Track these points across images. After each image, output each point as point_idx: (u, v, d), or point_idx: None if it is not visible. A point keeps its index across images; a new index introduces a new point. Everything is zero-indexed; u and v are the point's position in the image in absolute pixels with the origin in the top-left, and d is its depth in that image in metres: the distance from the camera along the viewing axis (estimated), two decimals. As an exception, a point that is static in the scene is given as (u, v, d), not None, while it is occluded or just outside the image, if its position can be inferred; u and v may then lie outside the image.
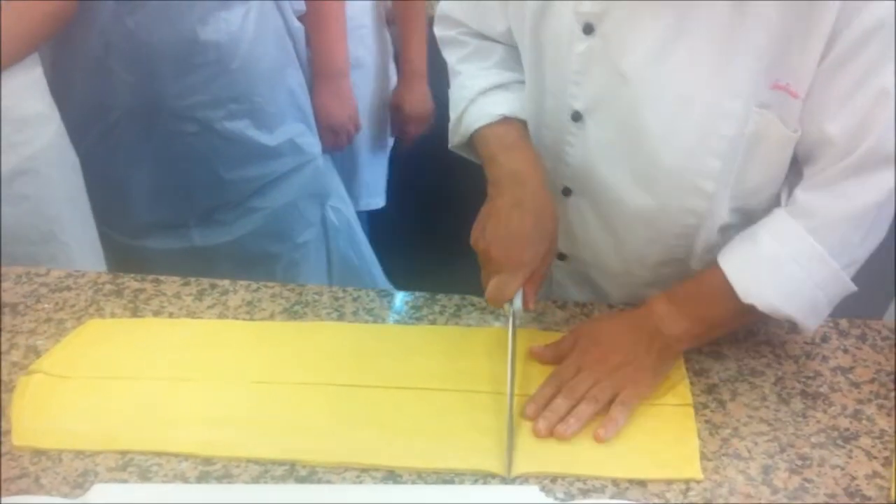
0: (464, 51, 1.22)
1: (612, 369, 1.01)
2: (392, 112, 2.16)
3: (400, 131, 2.20)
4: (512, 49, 1.19)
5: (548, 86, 1.12)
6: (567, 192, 1.17)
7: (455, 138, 1.20)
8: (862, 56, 0.92)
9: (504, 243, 1.02)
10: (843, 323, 1.15)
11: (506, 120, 1.13)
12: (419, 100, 2.13)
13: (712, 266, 1.03)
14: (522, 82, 1.17)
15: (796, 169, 1.04)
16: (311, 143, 1.86)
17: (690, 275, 1.10)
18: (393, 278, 2.15)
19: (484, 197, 1.10)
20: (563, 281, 1.28)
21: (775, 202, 1.05)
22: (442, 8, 1.24)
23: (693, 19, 0.97)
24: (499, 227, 1.03)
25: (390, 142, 2.25)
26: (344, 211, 2.00)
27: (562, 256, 1.24)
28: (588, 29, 1.03)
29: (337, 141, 1.96)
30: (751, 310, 1.00)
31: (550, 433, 0.97)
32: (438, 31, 1.25)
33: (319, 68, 1.88)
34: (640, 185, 1.08)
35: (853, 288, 1.00)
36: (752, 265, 1.00)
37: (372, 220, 2.30)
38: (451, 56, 1.24)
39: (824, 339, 1.12)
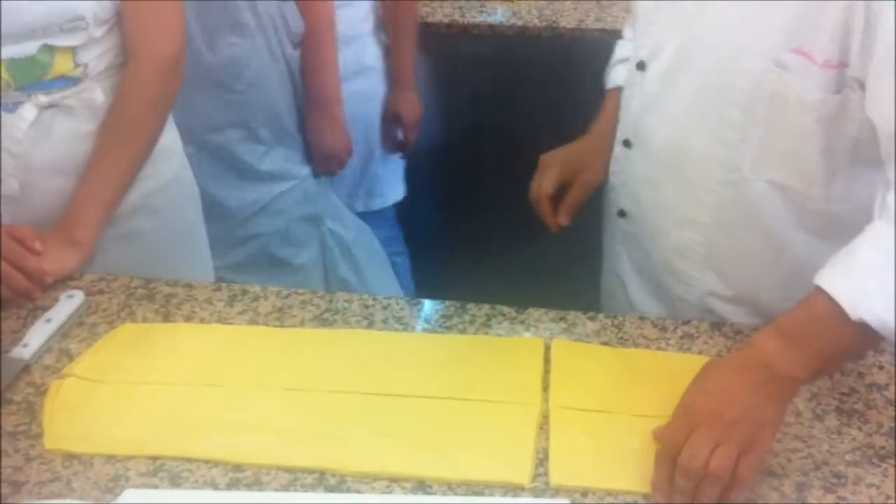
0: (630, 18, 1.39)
1: (729, 427, 0.89)
2: (389, 121, 2.17)
3: (398, 141, 2.21)
4: None
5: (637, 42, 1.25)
6: (627, 143, 1.27)
7: None
8: None
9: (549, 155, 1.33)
10: (879, 339, 1.13)
11: (617, 88, 1.33)
12: (416, 107, 2.18)
13: (813, 292, 0.93)
14: None
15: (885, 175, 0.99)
16: (297, 166, 1.88)
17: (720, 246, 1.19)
18: (422, 287, 2.15)
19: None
20: (616, 245, 1.37)
21: (819, 184, 1.09)
22: None
23: None
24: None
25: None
26: (342, 234, 2.00)
27: (622, 213, 1.33)
28: None
29: (329, 166, 1.97)
30: (863, 330, 0.89)
31: None
32: None
33: (313, 96, 1.89)
34: (685, 128, 1.16)
35: None
36: (854, 278, 0.91)
37: (404, 228, 2.30)
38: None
39: (860, 355, 1.10)
